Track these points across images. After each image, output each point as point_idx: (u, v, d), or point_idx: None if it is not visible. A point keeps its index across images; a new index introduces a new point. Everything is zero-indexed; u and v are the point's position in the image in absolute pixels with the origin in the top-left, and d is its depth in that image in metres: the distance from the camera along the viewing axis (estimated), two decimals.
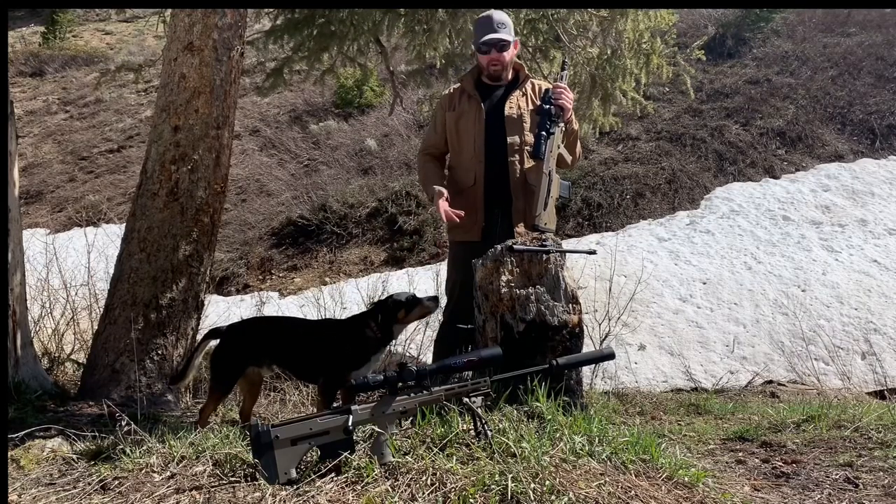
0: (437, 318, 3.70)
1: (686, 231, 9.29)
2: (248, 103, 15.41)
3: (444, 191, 3.02)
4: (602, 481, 1.71)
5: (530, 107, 3.08)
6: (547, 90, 3.01)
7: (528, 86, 3.16)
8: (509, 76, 3.18)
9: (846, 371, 6.26)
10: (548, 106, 2.92)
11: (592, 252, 2.90)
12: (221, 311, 7.36)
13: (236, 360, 2.71)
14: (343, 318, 2.99)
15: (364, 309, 2.78)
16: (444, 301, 3.27)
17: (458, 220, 2.95)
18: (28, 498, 1.83)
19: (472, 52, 5.42)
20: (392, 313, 2.57)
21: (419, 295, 2.67)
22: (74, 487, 1.86)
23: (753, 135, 11.49)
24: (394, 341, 2.82)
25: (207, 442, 2.03)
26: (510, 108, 3.07)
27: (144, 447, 2.01)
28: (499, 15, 3.08)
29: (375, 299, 2.75)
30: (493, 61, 3.08)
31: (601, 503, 1.63)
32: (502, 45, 3.06)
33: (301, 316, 5.00)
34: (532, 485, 1.63)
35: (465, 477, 1.68)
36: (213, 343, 2.83)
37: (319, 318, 5.21)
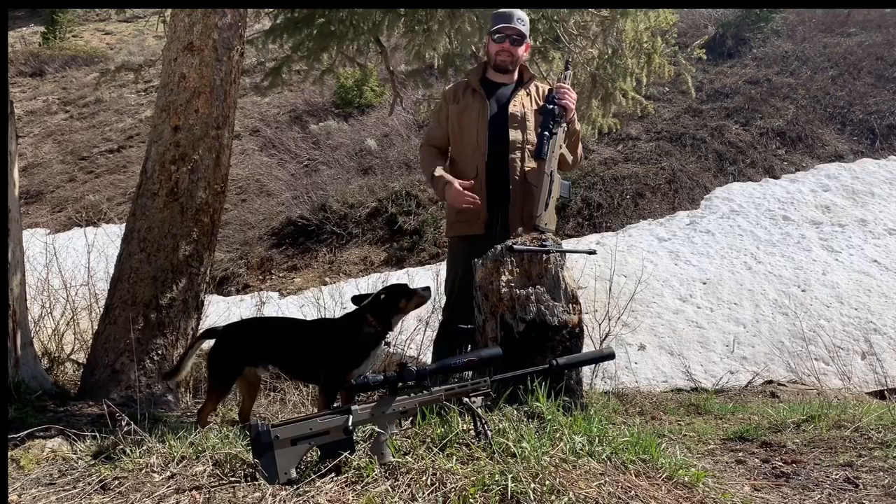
0: (436, 319, 3.70)
1: (686, 231, 9.29)
2: (248, 103, 15.41)
3: (452, 178, 2.98)
4: (602, 481, 1.71)
5: (534, 107, 3.09)
6: (550, 90, 3.02)
7: (533, 87, 3.18)
8: (515, 75, 3.19)
9: (846, 371, 6.26)
10: (551, 106, 2.93)
11: (592, 252, 2.90)
12: (221, 311, 7.37)
13: (233, 361, 2.71)
14: (338, 316, 3.01)
15: (354, 307, 2.78)
16: (443, 300, 3.27)
17: (473, 206, 2.91)
18: (28, 498, 1.83)
19: (472, 53, 5.45)
20: (394, 303, 2.60)
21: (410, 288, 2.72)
22: (74, 487, 1.86)
23: (753, 135, 11.49)
24: (392, 334, 2.84)
25: (207, 442, 2.02)
26: (514, 106, 3.08)
27: (144, 447, 2.00)
28: (519, 11, 3.12)
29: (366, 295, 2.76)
30: (502, 51, 3.10)
31: (601, 503, 1.63)
32: (516, 39, 3.08)
33: (301, 316, 5.00)
34: (532, 485, 1.63)
35: (465, 477, 1.68)
36: (210, 343, 2.84)
37: (316, 318, 5.21)
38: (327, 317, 5.20)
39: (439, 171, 3.05)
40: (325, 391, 2.62)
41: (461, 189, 2.92)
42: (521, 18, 3.10)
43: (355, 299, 2.75)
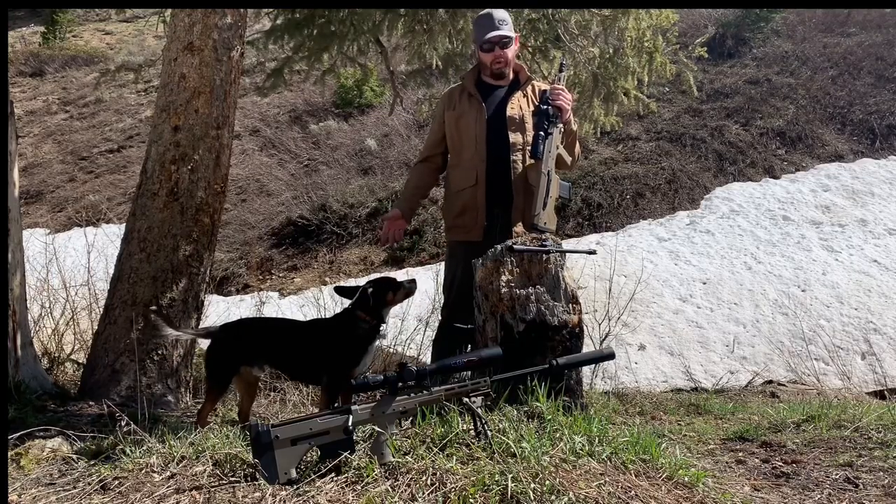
0: (436, 319, 3.70)
1: (686, 231, 9.29)
2: (248, 103, 15.41)
3: (399, 212, 3.21)
4: (602, 481, 1.71)
5: (531, 108, 3.08)
6: (544, 91, 3.01)
7: (530, 88, 3.16)
8: (511, 76, 3.17)
9: (846, 371, 6.26)
10: (545, 107, 2.92)
11: (592, 252, 2.90)
12: (221, 311, 7.36)
13: (229, 360, 2.71)
14: (330, 316, 3.02)
15: (338, 297, 2.81)
16: (443, 300, 3.27)
17: (392, 241, 3.21)
18: (28, 498, 1.83)
19: (472, 53, 5.44)
20: (382, 296, 2.61)
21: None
22: (74, 487, 1.86)
23: (753, 135, 11.49)
24: (392, 335, 2.86)
25: (207, 442, 2.02)
26: (512, 108, 3.07)
27: (144, 447, 2.00)
28: (498, 12, 3.08)
29: (349, 287, 2.81)
30: (496, 59, 3.08)
31: (601, 503, 1.63)
32: (505, 42, 3.06)
33: (301, 317, 4.99)
34: (532, 485, 1.62)
35: (465, 477, 1.68)
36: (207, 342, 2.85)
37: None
38: (322, 317, 5.20)
39: (394, 212, 3.23)
40: (328, 391, 2.62)
41: (389, 229, 3.20)
42: (502, 20, 3.06)
43: (338, 290, 2.76)
